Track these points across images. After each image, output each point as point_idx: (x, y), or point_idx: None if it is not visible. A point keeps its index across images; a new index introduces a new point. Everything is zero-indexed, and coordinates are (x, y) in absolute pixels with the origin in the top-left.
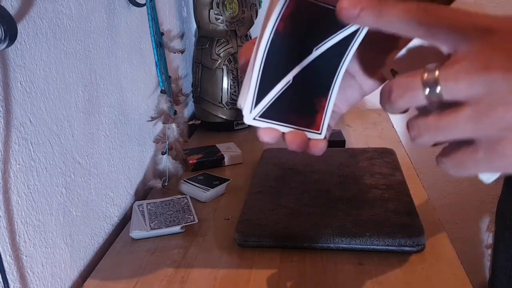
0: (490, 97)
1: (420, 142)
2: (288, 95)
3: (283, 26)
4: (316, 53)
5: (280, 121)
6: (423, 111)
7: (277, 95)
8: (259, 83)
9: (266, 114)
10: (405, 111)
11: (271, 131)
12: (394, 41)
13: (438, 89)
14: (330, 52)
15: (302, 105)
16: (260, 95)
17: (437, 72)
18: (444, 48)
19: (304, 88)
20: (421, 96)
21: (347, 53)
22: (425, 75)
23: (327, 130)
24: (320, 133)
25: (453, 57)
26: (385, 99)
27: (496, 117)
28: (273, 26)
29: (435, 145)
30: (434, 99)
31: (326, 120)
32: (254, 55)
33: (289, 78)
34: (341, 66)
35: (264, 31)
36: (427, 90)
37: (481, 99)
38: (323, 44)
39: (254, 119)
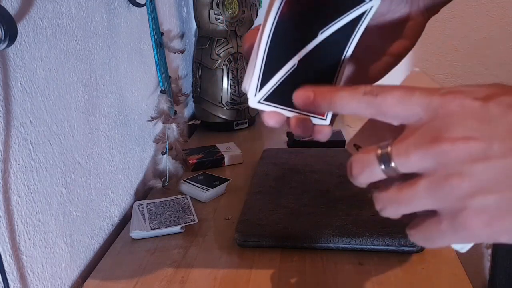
0: (443, 168)
1: (386, 214)
2: (293, 79)
3: (287, 9)
4: (321, 36)
5: (285, 105)
6: (388, 182)
7: (282, 79)
8: (264, 66)
9: (271, 98)
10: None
11: (275, 115)
12: (401, 30)
13: (393, 164)
14: (335, 35)
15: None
16: (265, 78)
17: (389, 148)
18: (396, 123)
19: (310, 72)
20: (378, 171)
21: (353, 36)
22: (379, 152)
23: (332, 117)
24: (325, 119)
25: (404, 131)
26: (349, 174)
27: (451, 187)
28: (278, 9)
29: (405, 217)
30: (391, 173)
31: None
32: (259, 39)
33: (294, 61)
34: (347, 50)
35: (269, 14)
36: (383, 165)
37: (436, 170)
38: (328, 28)
39: (258, 102)
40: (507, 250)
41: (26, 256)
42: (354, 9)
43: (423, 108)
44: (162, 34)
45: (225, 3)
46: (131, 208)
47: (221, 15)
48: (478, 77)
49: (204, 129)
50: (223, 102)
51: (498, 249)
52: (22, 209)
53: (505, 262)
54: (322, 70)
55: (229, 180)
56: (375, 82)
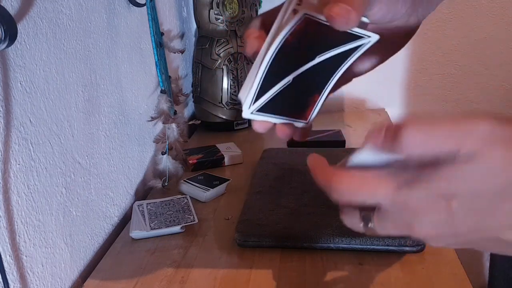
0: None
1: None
2: (285, 93)
3: (291, 38)
4: (318, 59)
5: (274, 114)
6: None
7: (275, 93)
8: (261, 83)
9: (263, 109)
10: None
11: (264, 124)
12: (395, 37)
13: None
14: (332, 59)
15: (296, 101)
16: (261, 93)
17: (372, 224)
18: None
19: (301, 87)
20: (362, 228)
21: (347, 61)
22: (362, 225)
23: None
24: (307, 123)
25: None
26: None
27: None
28: (283, 39)
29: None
30: (371, 231)
31: (315, 111)
32: (261, 58)
33: (289, 78)
34: (340, 70)
35: (274, 41)
36: (365, 227)
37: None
38: (326, 53)
39: (251, 113)
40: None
41: (26, 256)
42: (354, 41)
43: (388, 202)
44: (162, 34)
45: (225, 3)
46: (131, 208)
47: (221, 15)
48: (478, 77)
49: (204, 129)
50: (223, 102)
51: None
52: (22, 209)
53: (502, 262)
54: (314, 84)
55: (229, 180)
56: (357, 77)
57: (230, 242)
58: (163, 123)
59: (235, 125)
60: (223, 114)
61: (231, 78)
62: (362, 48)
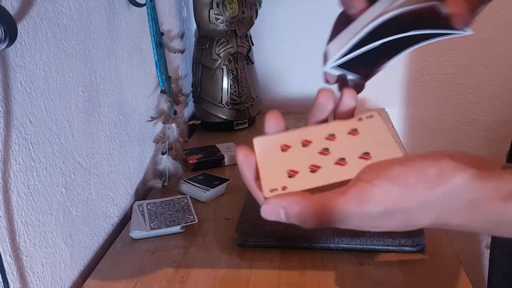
0: None
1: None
2: (366, 54)
3: (404, 14)
4: (411, 33)
5: (348, 70)
6: None
7: (360, 53)
8: (356, 43)
9: (342, 65)
10: None
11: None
12: None
13: None
14: (421, 36)
15: (369, 62)
16: (349, 51)
17: None
18: None
19: (380, 51)
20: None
21: (432, 39)
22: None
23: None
24: (365, 81)
25: None
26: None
27: None
28: (398, 13)
29: None
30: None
31: (377, 72)
32: (365, 22)
33: (378, 43)
34: (420, 44)
35: (387, 13)
36: None
37: None
38: (421, 30)
39: (331, 67)
40: (502, 247)
41: (26, 256)
42: (452, 30)
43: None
44: (162, 34)
45: (225, 3)
46: (131, 208)
47: (221, 15)
48: (478, 77)
49: (204, 129)
50: (223, 102)
51: (494, 246)
52: (22, 209)
53: (501, 259)
54: (388, 51)
55: (229, 180)
56: None
57: (230, 242)
58: (163, 123)
59: (235, 125)
60: (223, 114)
61: (231, 78)
62: (453, 35)
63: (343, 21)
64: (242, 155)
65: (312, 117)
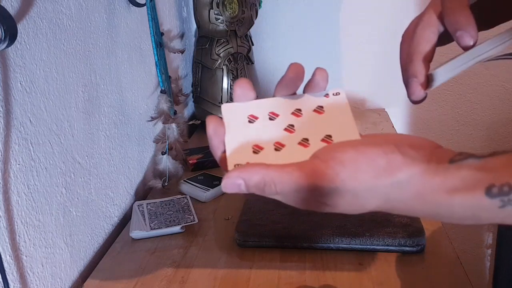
0: None
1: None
2: None
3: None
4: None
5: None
6: None
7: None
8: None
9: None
10: None
11: None
12: None
13: None
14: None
15: None
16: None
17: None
18: None
19: None
20: None
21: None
22: None
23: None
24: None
25: None
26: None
27: None
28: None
29: None
30: None
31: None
32: (474, 55)
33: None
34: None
35: (489, 51)
36: None
37: None
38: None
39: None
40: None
41: (26, 256)
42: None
43: None
44: (162, 34)
45: (225, 3)
46: (131, 208)
47: (221, 15)
48: (478, 77)
49: (204, 129)
50: (223, 102)
51: (501, 244)
52: (22, 209)
53: (509, 256)
54: None
55: None
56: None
57: (230, 242)
58: (163, 123)
59: None
60: None
61: (231, 78)
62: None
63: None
64: (212, 127)
65: (279, 90)
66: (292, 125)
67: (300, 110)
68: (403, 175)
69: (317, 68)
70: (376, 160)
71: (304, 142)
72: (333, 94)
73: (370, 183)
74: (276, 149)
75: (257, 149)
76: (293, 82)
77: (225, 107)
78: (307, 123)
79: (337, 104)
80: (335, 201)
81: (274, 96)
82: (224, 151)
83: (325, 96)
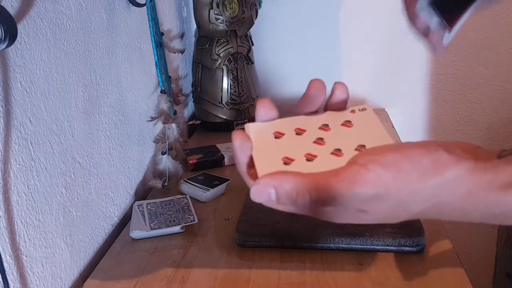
0: None
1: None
2: None
3: None
4: None
5: (436, 10)
6: None
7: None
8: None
9: (432, 4)
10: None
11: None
12: None
13: None
14: None
15: (458, 3)
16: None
17: None
18: None
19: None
20: None
21: None
22: None
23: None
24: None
25: None
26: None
27: None
28: None
29: None
30: None
31: (459, 18)
32: None
33: None
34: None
35: None
36: None
37: None
38: None
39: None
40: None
41: (26, 256)
42: None
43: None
44: (162, 34)
45: (225, 3)
46: (131, 208)
47: (221, 15)
48: (478, 77)
49: (204, 129)
50: (223, 102)
51: (501, 245)
52: (22, 209)
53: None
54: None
55: (229, 180)
56: None
57: (230, 242)
58: (163, 123)
59: (235, 125)
60: (223, 114)
61: (231, 78)
62: None
63: None
64: (238, 141)
65: (302, 108)
66: (322, 138)
67: (327, 125)
68: (451, 173)
69: (335, 83)
70: (421, 161)
71: (337, 152)
72: (359, 110)
73: (415, 186)
74: (308, 160)
75: (287, 161)
76: (315, 99)
77: (249, 127)
78: (337, 136)
79: (365, 117)
80: (376, 208)
81: (297, 114)
82: (250, 165)
83: (350, 112)
